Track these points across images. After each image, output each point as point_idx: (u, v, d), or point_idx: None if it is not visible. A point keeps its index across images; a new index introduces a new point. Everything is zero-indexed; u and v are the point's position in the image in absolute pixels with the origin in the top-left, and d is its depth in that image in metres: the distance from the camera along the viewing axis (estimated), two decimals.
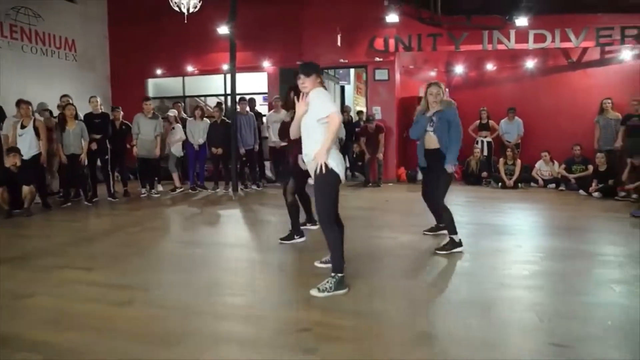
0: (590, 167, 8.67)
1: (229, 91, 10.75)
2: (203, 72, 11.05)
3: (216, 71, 10.85)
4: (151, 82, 11.64)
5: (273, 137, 9.37)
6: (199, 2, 6.61)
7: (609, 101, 8.69)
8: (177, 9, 6.59)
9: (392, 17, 9.46)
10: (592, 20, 8.95)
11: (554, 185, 9.06)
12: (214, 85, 11.27)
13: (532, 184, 9.31)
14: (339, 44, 9.64)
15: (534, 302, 3.15)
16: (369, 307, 3.05)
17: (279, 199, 7.92)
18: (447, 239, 4.40)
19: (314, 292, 3.18)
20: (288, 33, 10.20)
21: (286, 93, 4.89)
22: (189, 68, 10.95)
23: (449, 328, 2.73)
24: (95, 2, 11.30)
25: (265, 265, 4.06)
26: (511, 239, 4.98)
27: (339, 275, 3.25)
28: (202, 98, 11.93)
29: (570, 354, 2.40)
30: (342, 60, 9.99)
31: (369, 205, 7.36)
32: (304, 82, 3.34)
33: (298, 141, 4.53)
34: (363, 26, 9.87)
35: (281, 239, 4.74)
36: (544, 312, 2.95)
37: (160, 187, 8.67)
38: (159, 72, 11.23)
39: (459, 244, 4.35)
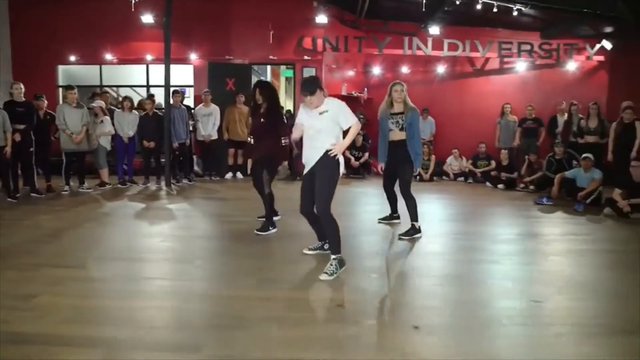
0: (493, 162, 9.91)
1: (152, 82, 10.60)
2: (123, 62, 10.57)
3: (138, 61, 10.46)
4: (62, 69, 10.84)
5: (202, 131, 9.38)
6: None
7: (509, 105, 9.98)
8: None
9: (321, 18, 9.91)
10: (496, 34, 10.20)
11: (462, 178, 10.19)
12: (134, 75, 10.84)
13: (443, 177, 10.37)
14: (270, 41, 9.87)
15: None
16: (370, 284, 3.49)
17: (217, 192, 8.12)
18: (410, 226, 4.93)
19: (324, 277, 3.54)
20: (217, 27, 10.18)
21: (252, 91, 5.03)
22: (108, 56, 10.40)
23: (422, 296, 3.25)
24: None
25: (253, 256, 4.26)
26: (453, 224, 5.71)
27: (339, 256, 3.66)
28: (115, 89, 11.43)
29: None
30: (271, 57, 10.22)
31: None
32: (312, 101, 3.65)
33: (263, 138, 4.87)
34: (292, 25, 10.19)
35: (257, 230, 4.93)
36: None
37: (86, 183, 8.21)
38: (72, 58, 10.50)
39: (419, 230, 4.91)
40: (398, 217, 5.54)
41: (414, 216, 4.93)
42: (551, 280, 3.73)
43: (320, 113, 3.68)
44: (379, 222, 5.57)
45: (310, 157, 3.74)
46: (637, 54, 9.66)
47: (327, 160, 3.66)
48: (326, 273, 3.57)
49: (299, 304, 3.14)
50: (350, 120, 3.72)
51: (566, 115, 9.32)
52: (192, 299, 3.19)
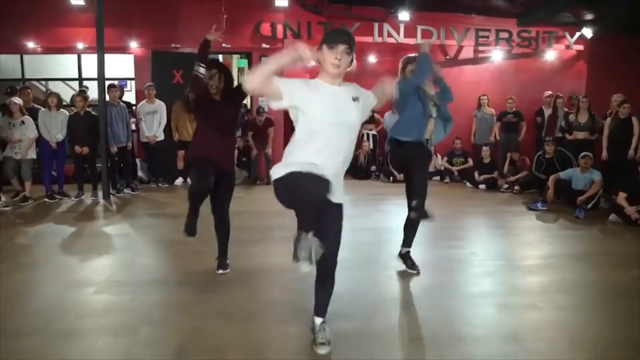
0: (470, 160, 9.18)
1: (85, 75, 9.14)
2: (49, 51, 9.02)
3: (68, 50, 8.95)
4: None
5: (146, 131, 8.09)
6: None
7: (485, 97, 9.25)
8: None
9: (281, 1, 8.78)
10: (471, 21, 9.40)
11: (438, 177, 9.39)
12: (63, 67, 9.33)
13: None
14: (224, 26, 8.61)
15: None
16: None
17: (166, 204, 6.87)
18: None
19: (323, 350, 2.57)
20: (161, 10, 8.82)
21: (208, 74, 3.63)
22: (30, 44, 8.82)
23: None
24: None
25: (221, 315, 3.17)
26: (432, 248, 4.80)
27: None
28: (43, 83, 9.89)
29: None
30: (225, 46, 8.95)
31: (277, 207, 6.65)
32: (342, 63, 2.34)
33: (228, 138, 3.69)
34: (248, 8, 9.00)
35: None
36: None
37: (3, 197, 6.74)
38: None
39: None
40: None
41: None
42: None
43: (354, 99, 2.38)
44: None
45: (334, 179, 2.26)
46: (618, 43, 9.15)
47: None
48: (324, 344, 2.58)
49: None
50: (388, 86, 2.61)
51: (551, 108, 8.67)
52: None
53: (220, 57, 11.64)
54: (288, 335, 2.80)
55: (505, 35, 9.49)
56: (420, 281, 3.74)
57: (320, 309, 2.65)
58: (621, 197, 5.83)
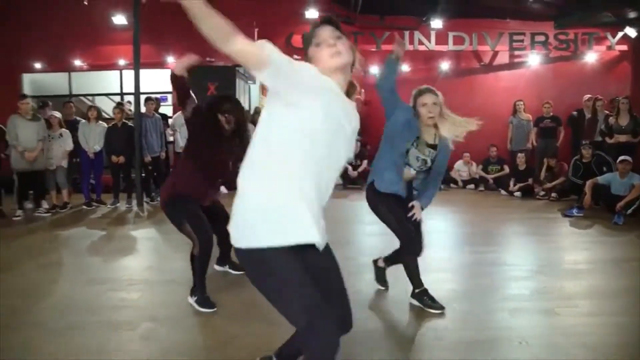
0: (506, 167, 8.90)
1: (125, 90, 9.59)
2: (94, 68, 9.56)
3: (110, 67, 9.45)
4: (28, 78, 9.82)
5: (181, 142, 8.35)
6: None
7: (521, 102, 8.96)
8: None
9: (312, 14, 8.91)
10: (505, 26, 9.21)
11: (472, 186, 9.15)
12: (107, 83, 9.83)
13: (451, 185, 9.32)
14: (256, 39, 8.83)
15: None
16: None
17: None
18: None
19: None
20: (194, 26, 9.15)
21: (226, 111, 3.30)
22: (77, 62, 9.38)
23: None
24: None
25: (242, 318, 3.21)
26: (464, 253, 4.65)
27: None
28: (90, 98, 10.43)
29: None
30: None
31: None
32: (341, 51, 1.66)
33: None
34: (280, 21, 9.21)
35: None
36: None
37: (45, 204, 7.14)
38: (38, 66, 9.48)
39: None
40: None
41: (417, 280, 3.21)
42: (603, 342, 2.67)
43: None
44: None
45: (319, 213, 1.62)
46: None
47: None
48: None
49: None
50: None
51: (590, 111, 8.29)
52: None
53: None
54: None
55: (542, 38, 9.22)
56: (445, 285, 3.62)
57: None
58: None
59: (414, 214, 3.10)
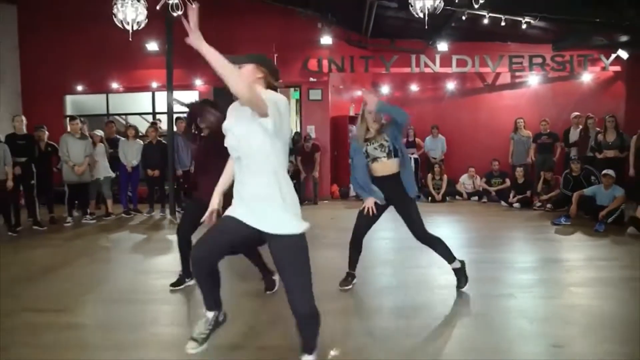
0: (508, 180, 9.56)
1: (158, 109, 10.54)
2: (129, 90, 10.55)
3: (143, 89, 10.43)
4: (70, 99, 10.86)
5: None
6: (145, 19, 6.34)
7: (522, 120, 9.65)
8: (121, 26, 6.27)
9: (326, 40, 9.77)
10: (505, 48, 9.94)
11: (476, 197, 9.83)
12: (140, 103, 10.80)
13: (456, 197, 10.01)
14: (275, 63, 9.72)
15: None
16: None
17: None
18: (455, 268, 3.98)
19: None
20: (221, 50, 10.00)
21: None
22: (114, 85, 10.39)
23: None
24: (4, 7, 10.32)
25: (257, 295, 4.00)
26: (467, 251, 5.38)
27: None
28: (124, 117, 11.40)
29: None
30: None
31: (322, 222, 7.47)
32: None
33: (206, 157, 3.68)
34: (297, 47, 10.06)
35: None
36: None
37: (90, 213, 8.06)
38: (79, 88, 10.50)
39: (464, 268, 3.98)
40: (354, 277, 4.14)
41: (451, 256, 3.94)
42: (574, 317, 3.38)
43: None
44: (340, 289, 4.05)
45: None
46: None
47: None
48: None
49: None
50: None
51: (580, 127, 8.97)
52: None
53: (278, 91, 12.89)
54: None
55: (539, 60, 9.92)
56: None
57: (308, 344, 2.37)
58: (639, 211, 6.11)
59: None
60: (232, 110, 2.40)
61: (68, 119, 10.32)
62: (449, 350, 2.88)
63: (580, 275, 4.48)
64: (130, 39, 6.80)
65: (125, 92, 10.61)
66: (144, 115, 10.99)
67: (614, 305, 3.64)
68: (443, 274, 4.20)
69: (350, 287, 4.01)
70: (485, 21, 7.79)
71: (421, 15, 5.84)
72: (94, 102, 10.81)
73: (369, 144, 3.83)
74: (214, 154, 3.34)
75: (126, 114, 11.06)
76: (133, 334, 3.19)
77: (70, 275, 4.64)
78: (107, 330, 3.26)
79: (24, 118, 7.16)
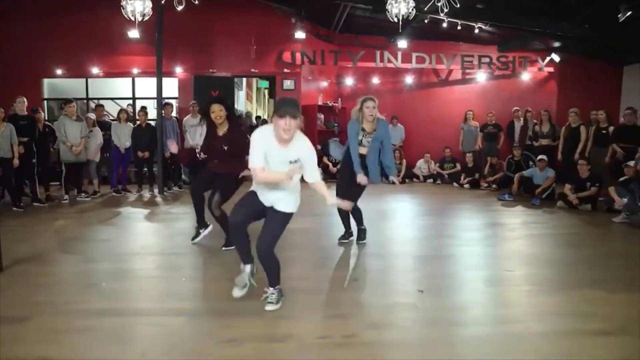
0: (458, 165, 10.90)
1: (137, 95, 11.06)
2: (109, 75, 10.98)
3: (124, 74, 10.90)
4: (47, 83, 11.13)
5: (190, 140, 9.92)
6: (151, 12, 6.94)
7: (471, 112, 10.99)
8: (127, 17, 6.85)
9: (300, 34, 10.65)
10: (458, 48, 11.23)
11: (431, 180, 11.12)
12: (120, 88, 11.26)
13: (414, 179, 11.26)
14: (253, 55, 10.55)
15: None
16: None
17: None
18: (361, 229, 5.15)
19: (270, 307, 3.25)
20: (200, 42, 10.74)
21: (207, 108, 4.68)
22: (94, 69, 10.80)
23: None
24: None
25: None
26: (427, 218, 6.57)
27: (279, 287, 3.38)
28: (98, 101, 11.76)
29: None
30: (253, 70, 10.88)
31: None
32: (290, 127, 2.96)
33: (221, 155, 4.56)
34: (273, 40, 10.88)
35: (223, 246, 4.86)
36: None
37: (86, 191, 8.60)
38: (58, 71, 10.82)
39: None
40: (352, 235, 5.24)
41: (361, 220, 5.15)
42: (518, 256, 4.62)
43: (292, 161, 3.06)
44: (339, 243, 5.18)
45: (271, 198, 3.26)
46: (581, 66, 10.93)
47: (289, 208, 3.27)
48: (272, 303, 3.28)
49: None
50: (315, 175, 3.24)
51: (522, 120, 10.42)
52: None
53: (244, 80, 13.63)
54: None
55: (487, 60, 11.30)
56: (418, 234, 5.49)
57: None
58: (566, 188, 7.53)
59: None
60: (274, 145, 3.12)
61: (46, 102, 10.77)
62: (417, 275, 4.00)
63: (520, 232, 5.87)
64: (136, 28, 7.37)
65: (106, 77, 11.02)
66: (122, 101, 11.45)
67: (544, 249, 5.03)
68: (409, 232, 5.35)
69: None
70: (444, 25, 8.95)
71: (396, 20, 6.86)
72: (72, 86, 11.13)
73: (364, 135, 4.82)
74: (230, 152, 4.51)
75: (106, 99, 11.45)
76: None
77: (116, 234, 5.44)
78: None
79: (25, 99, 7.60)
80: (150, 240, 5.37)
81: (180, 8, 6.95)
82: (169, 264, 4.38)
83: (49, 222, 6.27)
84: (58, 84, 11.23)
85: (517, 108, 10.59)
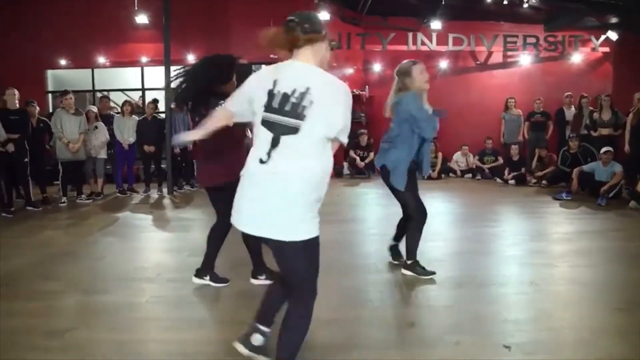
0: (500, 158, 9.74)
1: (147, 85, 10.20)
2: (116, 65, 10.14)
3: (132, 63, 10.04)
4: (52, 74, 10.36)
5: None
6: None
7: (513, 100, 9.81)
8: None
9: (323, 15, 9.60)
10: (500, 28, 10.02)
11: (470, 175, 9.99)
12: (129, 79, 10.42)
13: (450, 174, 10.15)
14: None
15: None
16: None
17: None
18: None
19: None
20: (214, 26, 9.79)
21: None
22: (100, 59, 9.96)
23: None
24: None
25: None
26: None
27: None
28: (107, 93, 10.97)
29: None
30: (272, 56, 9.79)
31: (326, 200, 7.43)
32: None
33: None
34: None
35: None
36: None
37: (85, 192, 7.76)
38: (62, 62, 10.02)
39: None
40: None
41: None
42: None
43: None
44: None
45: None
46: None
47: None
48: None
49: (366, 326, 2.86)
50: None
51: (573, 107, 9.20)
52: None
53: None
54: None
55: (533, 40, 10.06)
56: (463, 248, 4.45)
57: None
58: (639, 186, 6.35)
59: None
60: None
61: (56, 94, 9.96)
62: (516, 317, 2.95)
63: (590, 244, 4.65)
64: (136, 8, 6.47)
65: (113, 67, 10.19)
66: (131, 92, 10.62)
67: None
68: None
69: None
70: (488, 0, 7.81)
71: None
72: (77, 78, 10.34)
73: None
74: None
75: (113, 90, 10.63)
76: (177, 311, 3.11)
77: (97, 255, 4.46)
78: (152, 310, 3.17)
79: (16, 91, 6.76)
80: (151, 259, 4.38)
81: None
82: (173, 299, 3.37)
83: (36, 233, 5.39)
84: (63, 75, 10.43)
85: (570, 93, 9.34)
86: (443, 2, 8.83)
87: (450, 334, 2.69)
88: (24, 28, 9.79)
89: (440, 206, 6.63)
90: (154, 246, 4.94)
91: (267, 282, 3.25)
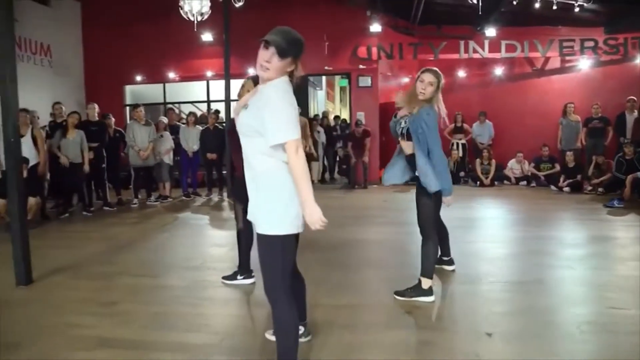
0: (557, 165, 9.52)
1: (212, 97, 11.03)
2: (184, 79, 11.07)
3: (199, 78, 10.92)
4: (129, 89, 11.51)
5: None
6: (209, 10, 6.72)
7: (572, 105, 9.57)
8: (186, 17, 6.68)
9: (375, 27, 9.95)
10: (555, 32, 9.83)
11: (525, 182, 9.85)
12: (195, 92, 11.32)
13: (504, 181, 10.05)
14: (326, 52, 10.03)
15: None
16: (436, 290, 3.48)
17: None
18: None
19: None
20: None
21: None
22: (170, 74, 10.93)
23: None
24: (69, 4, 10.99)
25: (322, 263, 4.33)
26: (519, 229, 5.57)
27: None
28: (177, 105, 11.96)
29: None
30: (327, 68, 10.36)
31: (374, 204, 7.89)
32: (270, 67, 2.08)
33: None
34: (346, 35, 10.29)
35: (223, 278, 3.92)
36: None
37: (154, 195, 8.62)
38: (138, 78, 11.11)
39: (429, 292, 3.35)
40: (450, 262, 4.06)
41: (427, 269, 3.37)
42: (630, 286, 3.56)
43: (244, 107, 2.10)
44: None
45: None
46: None
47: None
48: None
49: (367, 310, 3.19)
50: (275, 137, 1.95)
51: (636, 112, 8.85)
52: (263, 305, 3.22)
53: (324, 78, 13.16)
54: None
55: (591, 44, 9.76)
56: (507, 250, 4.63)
57: None
58: None
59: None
60: None
61: (131, 107, 11.04)
62: (505, 309, 3.14)
63: (635, 250, 4.59)
64: (194, 30, 7.19)
65: (181, 82, 11.13)
66: (198, 104, 11.52)
67: None
68: (497, 248, 4.43)
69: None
70: (537, 5, 7.78)
71: (475, 1, 5.95)
72: (150, 92, 11.40)
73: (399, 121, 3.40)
74: None
75: (182, 102, 11.59)
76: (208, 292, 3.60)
77: (153, 247, 5.13)
78: (189, 290, 3.69)
79: (96, 106, 7.72)
80: (198, 251, 4.99)
81: (238, 5, 6.57)
82: (202, 284, 3.91)
83: (107, 228, 6.18)
84: (138, 90, 11.54)
85: (633, 97, 8.98)
86: (502, 10, 8.83)
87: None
88: (107, 50, 10.99)
89: (491, 212, 6.77)
90: (204, 241, 5.57)
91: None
